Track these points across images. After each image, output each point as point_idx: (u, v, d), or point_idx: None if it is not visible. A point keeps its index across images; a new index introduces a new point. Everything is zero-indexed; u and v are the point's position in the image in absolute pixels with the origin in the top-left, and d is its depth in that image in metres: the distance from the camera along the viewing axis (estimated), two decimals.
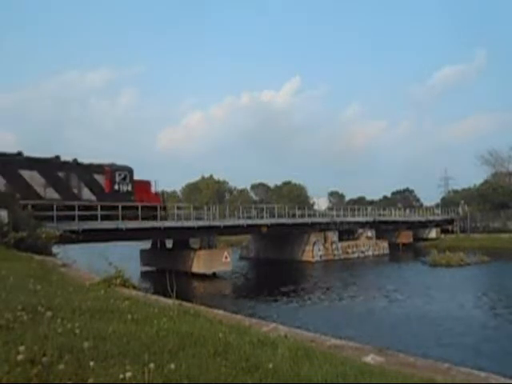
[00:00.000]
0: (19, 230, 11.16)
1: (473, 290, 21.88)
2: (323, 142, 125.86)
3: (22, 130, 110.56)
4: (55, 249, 13.13)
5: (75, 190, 22.21)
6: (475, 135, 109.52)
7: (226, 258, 27.78)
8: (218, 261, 27.36)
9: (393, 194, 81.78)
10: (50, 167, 21.53)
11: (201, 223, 26.37)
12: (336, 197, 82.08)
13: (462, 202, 53.64)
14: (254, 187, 77.27)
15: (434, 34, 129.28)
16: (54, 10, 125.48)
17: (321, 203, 57.77)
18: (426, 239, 47.66)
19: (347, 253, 37.60)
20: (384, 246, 41.27)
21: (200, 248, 27.92)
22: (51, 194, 21.04)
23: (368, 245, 39.95)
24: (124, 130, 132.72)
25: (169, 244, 32.23)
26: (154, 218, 24.26)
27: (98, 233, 21.27)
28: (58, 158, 22.26)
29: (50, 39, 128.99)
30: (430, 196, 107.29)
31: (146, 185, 25.72)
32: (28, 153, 20.69)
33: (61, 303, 4.20)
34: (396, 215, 47.35)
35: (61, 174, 21.88)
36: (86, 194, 22.61)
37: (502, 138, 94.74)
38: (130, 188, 24.24)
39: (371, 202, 69.75)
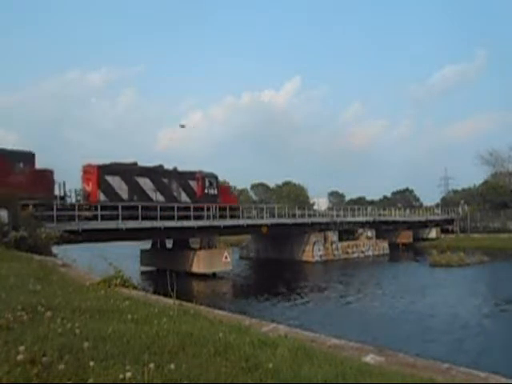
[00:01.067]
0: (19, 230, 11.17)
1: (473, 290, 21.87)
2: (323, 142, 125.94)
3: (22, 129, 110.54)
4: (55, 249, 13.14)
5: (175, 194, 26.72)
6: (475, 135, 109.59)
7: (226, 258, 27.77)
8: (218, 261, 27.35)
9: (393, 193, 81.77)
10: (156, 175, 25.96)
11: (201, 223, 26.34)
12: (336, 197, 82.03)
13: (462, 201, 53.64)
14: (253, 187, 77.23)
15: (434, 33, 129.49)
16: (54, 9, 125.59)
17: (321, 203, 57.64)
18: (426, 239, 47.64)
19: (347, 253, 37.58)
20: (384, 246, 41.26)
21: (200, 248, 27.90)
22: (158, 197, 25.53)
23: (368, 245, 39.93)
24: (124, 130, 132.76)
25: (169, 244, 32.21)
26: (235, 216, 29.27)
27: (98, 233, 21.26)
28: (161, 166, 27.02)
29: (51, 39, 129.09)
30: (430, 196, 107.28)
31: (227, 188, 31.09)
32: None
33: (61, 303, 4.20)
34: (396, 215, 47.33)
35: (165, 181, 26.35)
36: (184, 197, 27.09)
37: (502, 138, 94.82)
38: (216, 192, 28.84)
39: (371, 202, 69.72)
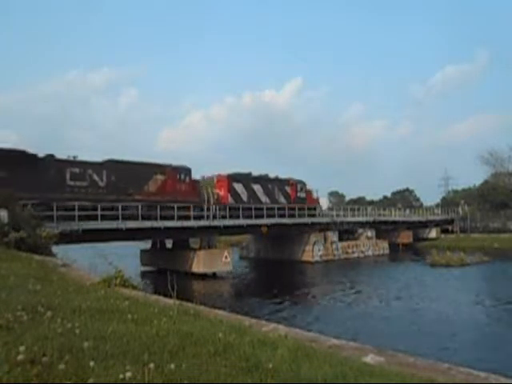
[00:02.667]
0: (19, 230, 11.17)
1: (473, 289, 21.88)
2: (324, 142, 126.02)
3: (23, 129, 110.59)
4: (55, 249, 13.14)
5: (276, 197, 33.54)
6: (475, 135, 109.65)
7: (226, 257, 27.77)
8: (218, 261, 27.35)
9: (393, 193, 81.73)
10: (264, 181, 32.92)
11: (201, 223, 26.35)
12: (336, 197, 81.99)
13: (462, 201, 53.63)
14: None
15: (435, 34, 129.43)
16: (55, 9, 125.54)
17: (321, 203, 57.81)
18: (426, 239, 47.64)
19: (347, 253, 37.58)
20: (384, 246, 41.26)
21: (200, 248, 27.90)
22: (265, 199, 32.45)
23: (368, 245, 39.94)
24: (124, 130, 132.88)
25: (169, 244, 32.21)
26: (314, 215, 36.43)
27: (98, 233, 21.27)
28: (267, 175, 33.99)
29: (52, 39, 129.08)
30: (430, 196, 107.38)
31: (310, 192, 37.10)
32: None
33: (61, 303, 4.20)
34: (396, 215, 47.34)
35: (269, 186, 33.28)
36: (282, 199, 33.90)
37: (502, 138, 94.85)
38: (304, 195, 36.14)
39: (371, 202, 69.71)
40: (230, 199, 29.70)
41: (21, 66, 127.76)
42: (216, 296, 21.52)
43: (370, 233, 41.17)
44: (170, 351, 2.91)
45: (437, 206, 58.69)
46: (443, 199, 66.43)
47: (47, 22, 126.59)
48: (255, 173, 32.86)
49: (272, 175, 34.55)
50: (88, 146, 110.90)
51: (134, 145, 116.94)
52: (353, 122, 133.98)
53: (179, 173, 26.76)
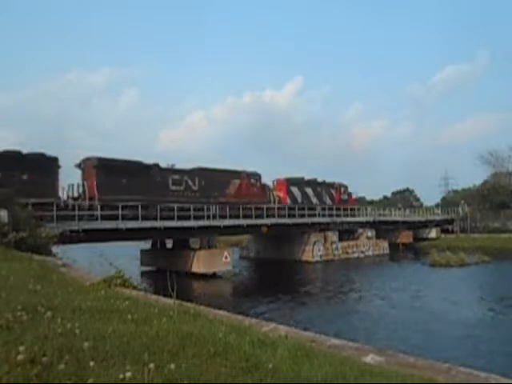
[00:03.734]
0: (19, 230, 11.16)
1: (473, 289, 21.89)
2: (324, 142, 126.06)
3: (23, 129, 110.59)
4: (55, 249, 13.14)
5: (324, 199, 38.44)
6: (475, 135, 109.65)
7: (226, 257, 27.77)
8: (218, 261, 27.35)
9: (393, 193, 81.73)
10: (314, 185, 37.83)
11: (201, 223, 26.33)
12: None
13: (462, 202, 53.62)
14: None
15: (436, 34, 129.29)
16: (55, 9, 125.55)
17: None
18: (426, 239, 47.64)
19: (347, 253, 37.57)
20: (384, 245, 41.25)
21: (200, 248, 27.88)
22: (315, 200, 37.25)
23: (368, 245, 39.93)
24: (125, 130, 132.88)
25: (169, 244, 32.20)
26: (354, 215, 40.58)
27: (98, 233, 21.27)
28: (315, 179, 38.17)
29: (52, 39, 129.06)
30: (430, 196, 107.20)
31: (351, 194, 42.25)
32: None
33: (61, 303, 4.20)
34: (396, 215, 47.34)
35: (318, 189, 38.00)
36: (328, 201, 38.72)
37: (502, 138, 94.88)
38: (346, 197, 41.26)
39: (371, 202, 69.71)
40: (289, 200, 34.57)
41: (21, 66, 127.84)
42: (216, 296, 21.51)
43: (370, 233, 41.16)
44: (170, 351, 2.91)
45: (437, 206, 58.70)
46: (443, 199, 66.46)
47: (47, 22, 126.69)
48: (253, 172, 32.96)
49: (307, 177, 37.79)
50: (88, 146, 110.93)
51: (135, 145, 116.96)
52: (353, 121, 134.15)
53: (252, 178, 31.53)
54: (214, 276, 27.07)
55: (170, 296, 5.44)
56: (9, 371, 2.20)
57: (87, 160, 23.63)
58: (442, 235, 48.29)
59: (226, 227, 27.86)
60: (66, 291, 5.11)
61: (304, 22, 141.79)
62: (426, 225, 48.84)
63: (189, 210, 25.50)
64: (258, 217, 30.00)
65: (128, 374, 2.26)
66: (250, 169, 32.25)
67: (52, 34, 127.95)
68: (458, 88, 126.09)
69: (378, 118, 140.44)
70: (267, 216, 31.17)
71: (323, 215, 36.50)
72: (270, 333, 4.22)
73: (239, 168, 31.39)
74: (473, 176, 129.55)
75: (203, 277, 26.35)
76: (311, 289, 23.21)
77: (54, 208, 19.31)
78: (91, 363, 2.42)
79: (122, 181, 23.35)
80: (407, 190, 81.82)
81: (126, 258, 27.76)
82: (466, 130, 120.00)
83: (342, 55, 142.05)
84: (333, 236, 36.74)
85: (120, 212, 22.04)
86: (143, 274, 29.11)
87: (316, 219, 35.71)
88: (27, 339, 2.78)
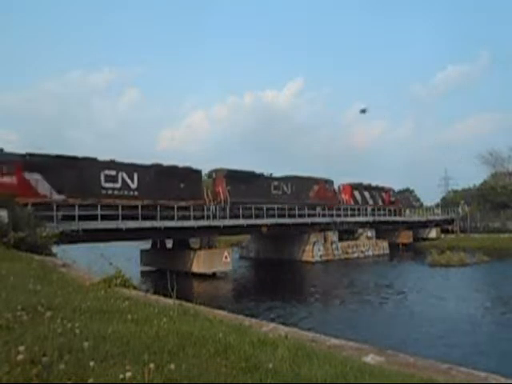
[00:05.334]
0: (19, 230, 11.17)
1: (473, 289, 21.89)
2: (325, 143, 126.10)
3: (23, 129, 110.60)
4: (55, 249, 13.14)
5: (377, 200, 44.56)
6: (475, 135, 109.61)
7: (226, 258, 27.76)
8: (218, 261, 27.33)
9: (393, 193, 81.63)
10: (369, 189, 43.87)
11: (201, 223, 26.32)
12: None
13: (462, 202, 53.63)
14: None
15: (437, 34, 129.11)
16: (56, 9, 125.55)
17: None
18: (426, 239, 47.63)
19: (347, 253, 37.56)
20: (384, 245, 41.23)
21: (200, 248, 27.87)
22: (371, 202, 43.42)
23: (368, 245, 39.92)
24: (125, 130, 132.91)
25: (169, 244, 32.18)
26: (400, 215, 47.49)
27: (98, 233, 21.26)
28: (370, 184, 44.49)
29: (53, 39, 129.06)
30: (430, 196, 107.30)
31: (397, 197, 48.51)
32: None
33: (61, 303, 4.20)
34: (396, 215, 47.36)
35: (373, 192, 44.21)
36: (380, 202, 44.83)
37: (502, 138, 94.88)
38: (394, 199, 47.52)
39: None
40: (352, 202, 41.06)
41: (21, 66, 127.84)
42: (216, 296, 21.51)
43: (369, 233, 41.14)
44: (170, 351, 2.92)
45: (437, 206, 58.69)
46: (443, 199, 66.46)
47: (48, 22, 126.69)
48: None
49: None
50: (88, 146, 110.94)
51: (135, 145, 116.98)
52: (354, 121, 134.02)
53: (327, 184, 38.52)
54: (213, 276, 27.07)
55: (170, 296, 5.45)
56: (9, 371, 2.20)
57: (217, 171, 30.32)
58: (442, 235, 48.29)
59: (225, 227, 27.85)
60: (65, 291, 5.11)
61: (304, 22, 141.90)
62: (426, 225, 48.83)
63: (284, 209, 32.14)
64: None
65: (128, 374, 2.26)
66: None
67: (53, 34, 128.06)
68: (458, 88, 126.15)
69: (378, 118, 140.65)
70: (267, 216, 31.21)
71: (323, 215, 36.55)
72: (269, 333, 4.23)
73: (293, 174, 36.14)
74: (473, 176, 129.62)
75: (203, 277, 26.35)
76: (312, 289, 23.21)
77: (54, 208, 19.35)
78: (91, 363, 2.42)
79: (242, 187, 29.88)
80: (407, 189, 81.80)
81: (126, 257, 27.79)
82: (466, 130, 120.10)
83: (342, 55, 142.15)
84: (333, 236, 36.72)
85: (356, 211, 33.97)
86: (143, 273, 29.10)
87: (316, 219, 35.69)
88: (27, 339, 2.78)
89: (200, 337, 3.37)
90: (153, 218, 24.02)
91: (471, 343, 12.36)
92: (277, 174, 34.62)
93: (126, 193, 23.66)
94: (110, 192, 22.96)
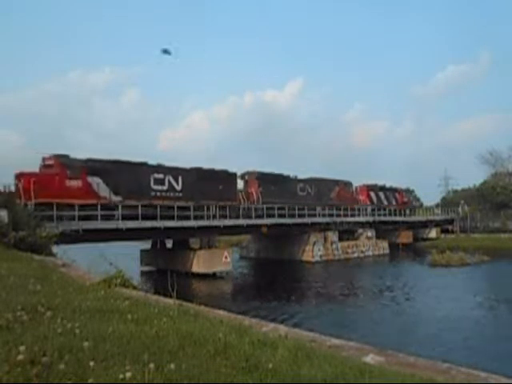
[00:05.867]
0: (19, 230, 11.17)
1: (473, 289, 21.89)
2: (325, 142, 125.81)
3: (24, 129, 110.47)
4: (55, 249, 13.14)
5: (391, 201, 46.55)
6: (476, 135, 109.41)
7: (226, 257, 27.77)
8: (218, 261, 27.34)
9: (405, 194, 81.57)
10: (384, 190, 46.21)
11: (201, 223, 26.33)
12: None
13: (462, 201, 53.62)
14: None
15: (438, 34, 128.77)
16: (56, 9, 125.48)
17: None
18: (426, 239, 47.64)
19: (347, 253, 37.56)
20: (384, 246, 41.24)
21: (200, 248, 27.89)
22: (386, 202, 45.64)
23: (368, 245, 39.92)
24: (126, 130, 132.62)
25: (169, 244, 32.19)
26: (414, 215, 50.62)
27: (98, 233, 21.27)
28: (384, 185, 46.47)
29: (53, 39, 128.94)
30: (430, 196, 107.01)
31: (409, 198, 51.19)
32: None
33: (61, 303, 4.20)
34: (396, 215, 47.35)
35: (388, 193, 46.41)
36: (393, 202, 46.69)
37: (502, 138, 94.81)
38: (407, 199, 50.12)
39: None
40: (368, 202, 43.20)
41: (22, 66, 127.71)
42: (216, 296, 21.52)
43: (370, 233, 41.13)
44: (170, 351, 2.92)
45: (437, 206, 58.68)
46: (443, 199, 66.38)
47: (48, 22, 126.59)
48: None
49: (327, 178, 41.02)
50: (88, 146, 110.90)
51: (135, 145, 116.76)
52: (354, 121, 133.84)
53: (346, 185, 41.03)
54: (213, 276, 27.07)
55: (170, 296, 5.45)
56: (9, 371, 2.20)
57: (250, 173, 32.52)
58: (442, 235, 48.31)
59: (226, 227, 27.86)
60: (66, 291, 5.11)
61: (305, 22, 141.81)
62: (426, 225, 48.85)
63: (304, 209, 34.52)
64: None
65: (128, 374, 2.27)
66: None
67: (53, 34, 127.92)
68: (459, 88, 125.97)
69: (378, 118, 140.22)
70: (267, 216, 31.21)
71: (323, 215, 36.60)
72: (270, 333, 4.22)
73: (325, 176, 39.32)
74: (473, 176, 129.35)
75: (203, 277, 26.35)
76: (312, 289, 23.21)
77: (54, 208, 19.39)
78: (91, 363, 2.42)
79: (272, 188, 32.24)
80: (407, 189, 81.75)
81: (126, 257, 27.76)
82: (466, 130, 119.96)
83: (342, 55, 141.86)
84: (333, 236, 36.72)
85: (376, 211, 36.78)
86: (143, 273, 29.11)
87: (316, 219, 35.69)
88: (27, 339, 2.79)
89: (200, 337, 3.37)
90: (196, 217, 26.46)
91: (472, 343, 12.36)
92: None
93: (171, 194, 25.95)
94: (158, 194, 25.22)
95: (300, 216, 33.86)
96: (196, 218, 26.22)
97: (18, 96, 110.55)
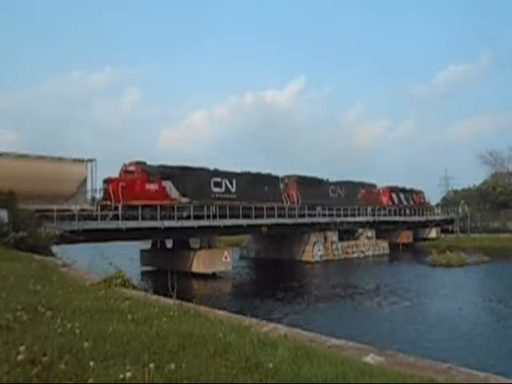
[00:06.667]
0: (19, 230, 11.17)
1: (473, 289, 21.90)
2: (325, 142, 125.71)
3: (24, 129, 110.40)
4: (55, 249, 13.14)
5: (410, 201, 48.57)
6: (476, 135, 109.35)
7: (226, 258, 27.76)
8: (218, 261, 27.34)
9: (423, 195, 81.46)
10: (404, 191, 48.23)
11: (201, 223, 26.32)
12: None
13: (462, 201, 53.60)
14: None
15: (438, 33, 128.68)
16: (56, 9, 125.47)
17: None
18: (426, 239, 47.62)
19: (347, 253, 37.56)
20: (384, 245, 41.23)
21: (200, 248, 27.87)
22: (405, 202, 47.67)
23: (368, 245, 39.91)
24: (126, 130, 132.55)
25: (169, 244, 32.18)
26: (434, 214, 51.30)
27: (98, 233, 21.26)
28: (404, 187, 48.91)
29: (54, 39, 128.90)
30: (430, 196, 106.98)
31: (426, 199, 52.74)
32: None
33: (61, 303, 4.21)
34: (396, 215, 47.35)
35: (406, 194, 48.40)
36: (412, 203, 48.64)
37: (502, 138, 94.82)
38: (423, 200, 51.75)
39: None
40: (390, 203, 45.47)
41: (22, 66, 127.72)
42: (216, 296, 21.51)
43: (370, 233, 41.11)
44: (170, 351, 2.92)
45: (437, 205, 58.66)
46: (443, 199, 66.35)
47: (49, 22, 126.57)
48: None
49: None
50: (88, 145, 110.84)
51: (136, 144, 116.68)
52: (355, 121, 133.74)
53: (371, 187, 44.03)
54: (214, 276, 27.07)
55: (170, 296, 5.45)
56: (9, 371, 2.21)
57: (289, 177, 35.21)
58: (442, 235, 48.29)
59: (226, 227, 27.85)
60: (66, 291, 5.11)
61: (305, 22, 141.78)
62: (426, 225, 48.85)
63: (340, 209, 37.09)
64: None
65: (128, 374, 2.27)
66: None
67: (54, 34, 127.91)
68: (459, 88, 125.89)
69: (379, 117, 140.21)
70: (267, 216, 31.22)
71: (323, 215, 36.64)
72: (269, 333, 4.23)
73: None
74: (473, 176, 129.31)
75: (203, 277, 26.35)
76: (312, 289, 23.22)
77: (54, 210, 19.39)
78: (91, 363, 2.42)
79: (308, 191, 35.10)
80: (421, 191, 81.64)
81: (126, 257, 27.73)
82: (466, 130, 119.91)
83: (343, 55, 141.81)
84: (333, 236, 36.72)
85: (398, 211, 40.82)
86: (143, 273, 29.11)
87: (316, 219, 35.67)
88: (27, 339, 2.79)
89: (200, 337, 3.37)
90: (249, 216, 29.15)
91: (472, 343, 12.36)
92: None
93: (228, 196, 29.06)
94: (217, 195, 28.36)
95: (300, 216, 33.85)
96: (196, 217, 26.23)
97: (17, 96, 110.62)
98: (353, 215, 39.84)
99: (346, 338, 4.43)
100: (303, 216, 34.44)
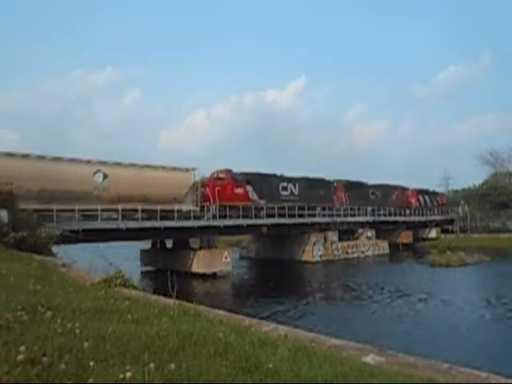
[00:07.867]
0: (19, 230, 11.17)
1: (473, 289, 21.89)
2: (326, 142, 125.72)
3: (24, 129, 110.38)
4: (55, 249, 13.14)
5: (433, 202, 51.98)
6: (476, 135, 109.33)
7: (226, 257, 27.76)
8: (218, 261, 27.34)
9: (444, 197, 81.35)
10: (428, 193, 51.84)
11: (201, 223, 26.33)
12: None
13: (462, 201, 53.62)
14: None
15: (439, 34, 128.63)
16: (56, 9, 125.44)
17: None
18: (426, 239, 47.62)
19: (347, 253, 37.55)
20: (384, 246, 41.22)
21: (200, 248, 27.86)
22: (429, 203, 50.89)
23: (368, 245, 39.91)
24: (126, 130, 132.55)
25: (169, 244, 32.18)
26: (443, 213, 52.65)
27: (98, 233, 21.27)
28: (428, 189, 53.02)
29: (54, 39, 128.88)
30: None
31: (442, 197, 56.03)
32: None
33: (61, 303, 4.20)
34: (396, 215, 47.35)
35: (431, 196, 52.16)
36: (435, 203, 52.22)
37: (502, 138, 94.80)
38: (444, 201, 55.28)
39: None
40: (417, 203, 48.91)
41: (22, 66, 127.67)
42: (216, 296, 21.51)
43: (370, 233, 41.09)
44: (170, 351, 2.92)
45: None
46: None
47: (49, 22, 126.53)
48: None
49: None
50: (88, 145, 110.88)
51: (136, 144, 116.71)
52: (355, 121, 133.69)
53: (402, 190, 47.26)
54: (213, 276, 27.07)
55: (170, 296, 5.45)
56: (9, 371, 2.21)
57: (338, 181, 39.47)
58: (442, 235, 48.27)
59: (226, 227, 27.85)
60: (66, 291, 5.11)
61: (306, 22, 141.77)
62: (426, 225, 48.86)
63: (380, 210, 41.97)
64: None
65: (128, 374, 2.27)
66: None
67: (54, 34, 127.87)
68: (459, 88, 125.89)
69: (379, 118, 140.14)
70: (267, 216, 31.25)
71: (323, 215, 36.70)
72: (269, 333, 4.23)
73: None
74: (473, 176, 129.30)
75: (203, 277, 26.35)
76: (312, 289, 23.21)
77: (55, 209, 19.42)
78: (91, 363, 2.42)
79: (354, 193, 39.95)
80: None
81: (126, 257, 27.78)
82: (466, 130, 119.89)
83: (343, 55, 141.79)
84: (333, 236, 36.70)
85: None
86: (143, 274, 29.11)
87: (316, 219, 35.65)
88: (27, 339, 2.79)
89: (200, 337, 3.37)
90: (309, 215, 34.12)
91: (472, 343, 12.36)
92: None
93: (292, 198, 33.47)
94: (284, 198, 32.80)
95: (300, 216, 33.91)
96: (196, 218, 26.23)
97: (17, 96, 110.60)
98: (353, 215, 39.85)
99: (347, 338, 4.43)
100: (303, 215, 34.47)
